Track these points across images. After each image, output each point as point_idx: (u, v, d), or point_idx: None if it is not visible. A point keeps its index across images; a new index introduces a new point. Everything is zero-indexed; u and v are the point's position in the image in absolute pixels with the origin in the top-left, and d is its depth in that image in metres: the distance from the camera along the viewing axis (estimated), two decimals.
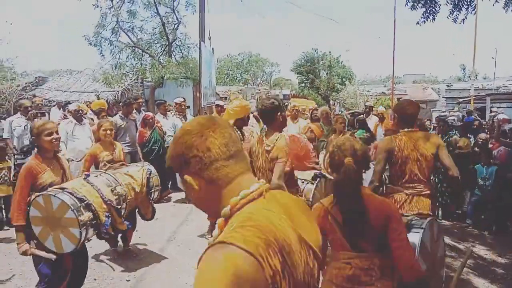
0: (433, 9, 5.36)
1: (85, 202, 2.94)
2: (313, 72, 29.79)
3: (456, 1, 5.07)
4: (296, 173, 3.66)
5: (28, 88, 13.82)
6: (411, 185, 3.08)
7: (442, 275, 2.77)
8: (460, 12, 5.20)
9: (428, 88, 29.70)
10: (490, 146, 6.14)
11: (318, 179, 3.90)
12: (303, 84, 31.52)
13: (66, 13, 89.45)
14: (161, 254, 4.48)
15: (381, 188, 3.41)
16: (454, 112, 12.97)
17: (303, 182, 2.91)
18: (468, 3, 5.23)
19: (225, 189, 0.96)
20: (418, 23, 5.56)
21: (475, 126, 8.41)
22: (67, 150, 5.80)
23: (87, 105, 8.14)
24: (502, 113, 10.48)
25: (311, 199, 2.81)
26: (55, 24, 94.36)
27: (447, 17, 5.15)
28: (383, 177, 3.68)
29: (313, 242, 0.97)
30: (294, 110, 7.62)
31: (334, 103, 27.11)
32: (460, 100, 18.79)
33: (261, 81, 51.05)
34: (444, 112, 13.83)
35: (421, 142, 3.08)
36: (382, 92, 27.09)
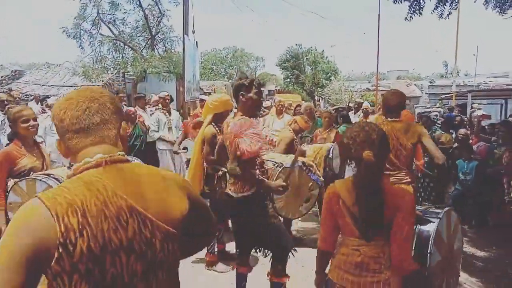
0: (418, 4, 5.37)
1: None
2: (298, 68, 29.82)
3: None
4: (274, 155, 3.61)
5: (4, 82, 13.38)
6: (391, 173, 3.15)
7: (458, 268, 2.78)
8: (444, 7, 5.23)
9: (411, 85, 30.10)
10: (470, 141, 6.23)
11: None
12: (288, 80, 31.53)
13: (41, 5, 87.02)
14: None
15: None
16: (436, 108, 13.17)
17: (274, 164, 2.84)
18: None
19: (76, 156, 1.10)
20: (406, 18, 5.56)
21: (456, 122, 8.56)
22: (46, 145, 5.60)
23: None
24: (480, 109, 10.68)
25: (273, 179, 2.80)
26: (34, 16, 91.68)
27: (431, 12, 5.18)
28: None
29: (155, 214, 1.05)
30: (280, 106, 7.57)
31: (319, 99, 27.22)
32: (442, 96, 19.12)
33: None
34: (427, 108, 14.03)
35: (402, 132, 3.15)
36: (367, 88, 27.34)
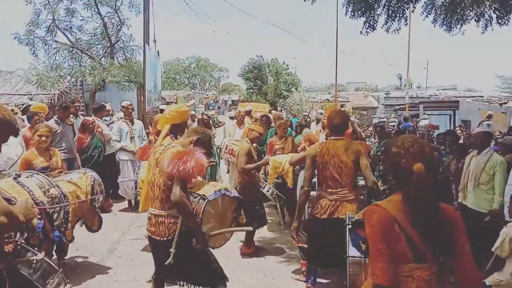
0: (373, 19, 5.65)
1: (13, 203, 2.72)
2: (260, 79, 30.25)
3: (390, 12, 5.39)
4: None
5: None
6: (333, 190, 3.25)
7: None
8: (393, 22, 5.54)
9: (368, 96, 31.44)
10: None
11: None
12: (251, 90, 31.87)
13: None
14: (101, 266, 4.24)
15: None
16: (393, 118, 13.84)
17: (195, 197, 2.68)
18: (401, 14, 5.58)
19: None
20: (361, 32, 5.83)
21: (410, 132, 9.01)
22: None
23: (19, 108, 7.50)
24: (426, 118, 11.28)
25: (200, 218, 2.62)
26: None
27: (381, 27, 5.47)
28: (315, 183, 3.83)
29: None
30: (240, 116, 7.66)
31: (282, 109, 27.69)
32: (397, 107, 20.11)
33: (210, 86, 50.78)
34: (383, 118, 14.71)
35: (342, 149, 3.26)
36: (327, 99, 28.15)
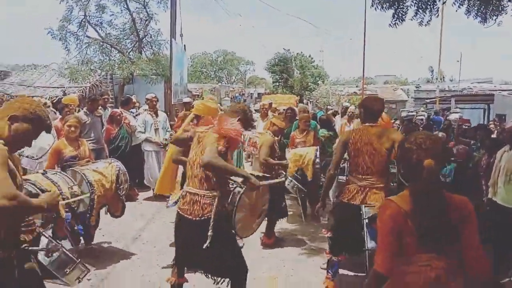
0: (402, 11, 5.48)
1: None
2: (286, 72, 30.08)
3: (420, 3, 5.21)
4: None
5: None
6: (364, 177, 3.21)
7: None
8: (425, 14, 5.35)
9: (398, 89, 30.59)
10: (447, 144, 6.36)
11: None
12: (277, 83, 31.77)
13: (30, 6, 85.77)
14: (125, 252, 4.39)
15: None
16: (421, 112, 13.44)
17: (232, 184, 2.69)
18: (431, 5, 5.39)
19: None
20: (390, 25, 5.67)
21: (445, 126, 8.67)
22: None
23: (52, 101, 7.83)
24: (457, 112, 10.87)
25: (236, 205, 2.62)
26: (19, 17, 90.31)
27: (411, 19, 5.30)
28: (345, 168, 3.80)
29: None
30: (264, 108, 7.64)
31: (308, 102, 27.46)
32: (427, 101, 19.47)
33: (236, 79, 50.97)
34: (412, 112, 14.30)
35: (376, 136, 3.20)
36: (354, 92, 27.65)
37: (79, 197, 3.37)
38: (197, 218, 2.59)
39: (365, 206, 3.06)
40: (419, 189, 1.71)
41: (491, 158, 5.00)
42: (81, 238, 4.24)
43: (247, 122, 2.94)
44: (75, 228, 3.53)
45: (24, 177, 2.86)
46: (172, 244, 4.52)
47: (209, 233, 2.55)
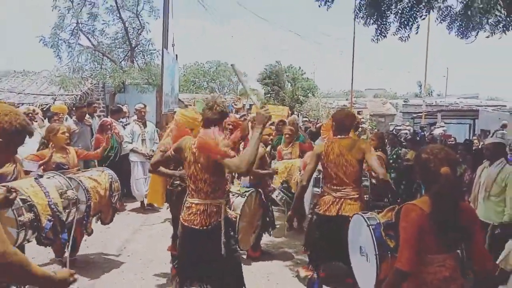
0: (384, 26, 5.63)
1: (28, 203, 2.89)
2: (278, 84, 30.33)
3: (402, 19, 5.36)
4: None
5: None
6: (338, 188, 3.31)
7: None
8: (405, 30, 5.50)
9: (386, 103, 31.05)
10: None
11: (249, 192, 3.98)
12: (268, 95, 31.96)
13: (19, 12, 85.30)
14: (110, 264, 4.37)
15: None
16: (406, 126, 13.68)
17: (233, 195, 2.73)
18: (413, 21, 5.53)
19: None
20: (372, 40, 5.83)
21: (428, 141, 8.87)
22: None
23: (42, 109, 7.79)
24: (441, 127, 11.07)
25: (239, 213, 2.66)
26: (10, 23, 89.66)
27: (393, 34, 5.45)
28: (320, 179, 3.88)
29: None
30: (253, 120, 7.68)
31: (298, 115, 27.66)
32: (414, 115, 19.79)
33: (228, 90, 51.12)
34: (399, 126, 14.53)
35: (348, 148, 3.32)
36: (344, 105, 27.92)
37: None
38: (205, 227, 2.59)
39: (362, 214, 3.03)
40: (438, 193, 1.88)
41: (474, 173, 5.13)
42: (66, 249, 4.22)
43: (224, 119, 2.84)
44: (60, 236, 3.49)
45: (12, 183, 2.86)
46: (157, 255, 4.53)
47: (222, 239, 2.56)
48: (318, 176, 3.95)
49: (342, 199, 3.26)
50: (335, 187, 3.31)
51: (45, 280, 1.47)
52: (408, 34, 5.35)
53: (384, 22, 5.37)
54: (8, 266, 1.33)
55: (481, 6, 4.68)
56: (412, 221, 1.90)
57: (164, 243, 4.81)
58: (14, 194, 2.03)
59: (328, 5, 5.36)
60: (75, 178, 3.65)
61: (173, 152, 2.76)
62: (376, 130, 15.33)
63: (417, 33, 5.34)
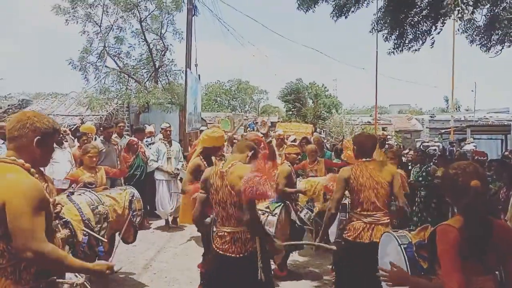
0: (402, 39, 5.57)
1: (63, 220, 2.96)
2: (299, 101, 30.36)
3: (417, 32, 5.29)
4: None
5: (10, 110, 13.63)
6: (368, 213, 3.16)
7: None
8: (417, 43, 5.42)
9: (412, 119, 30.45)
10: None
11: (279, 209, 3.93)
12: (290, 112, 32.02)
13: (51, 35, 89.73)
14: (136, 282, 4.36)
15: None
16: (435, 142, 13.31)
17: (263, 213, 2.69)
18: (426, 35, 5.44)
19: None
20: (388, 53, 5.77)
21: (456, 157, 8.58)
22: (46, 173, 5.68)
23: (70, 129, 8.00)
24: (472, 142, 10.70)
25: (273, 231, 2.62)
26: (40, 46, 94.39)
27: (406, 49, 5.39)
28: (347, 204, 3.76)
29: None
30: (279, 139, 7.66)
31: (321, 131, 27.49)
32: (442, 131, 19.28)
33: (249, 108, 51.59)
34: (426, 142, 14.16)
35: (376, 170, 3.20)
36: (368, 122, 27.61)
37: (97, 236, 3.39)
38: (240, 255, 2.56)
39: (393, 232, 2.92)
40: (468, 207, 1.81)
41: (510, 190, 4.88)
42: None
43: (257, 155, 2.84)
44: (96, 250, 3.51)
45: None
46: (182, 274, 4.49)
47: (259, 264, 2.53)
48: (344, 202, 3.84)
49: (373, 225, 3.12)
50: (365, 213, 3.16)
51: (82, 270, 1.88)
52: (419, 47, 5.30)
53: (402, 36, 5.32)
54: (48, 261, 1.64)
55: (505, 19, 4.54)
56: (452, 243, 1.79)
57: (189, 262, 4.79)
58: (59, 207, 2.07)
59: (309, 9, 5.34)
60: (94, 193, 3.70)
61: (203, 191, 2.76)
62: (400, 146, 14.98)
63: (432, 46, 5.26)
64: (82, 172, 4.28)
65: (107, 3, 13.40)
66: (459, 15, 4.40)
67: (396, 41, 5.39)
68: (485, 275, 1.80)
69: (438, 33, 5.22)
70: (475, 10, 4.48)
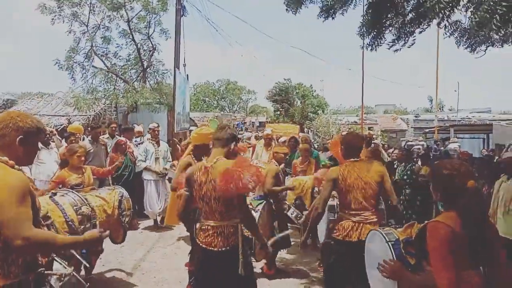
0: (379, 37, 5.61)
1: (50, 221, 2.93)
2: (287, 101, 30.52)
3: (400, 33, 5.36)
4: None
5: None
6: (357, 212, 3.20)
7: None
8: (400, 43, 5.48)
9: (397, 119, 30.94)
10: None
11: (261, 205, 4.03)
12: (278, 112, 32.17)
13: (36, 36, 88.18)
14: (125, 282, 4.36)
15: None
16: (419, 141, 13.56)
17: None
18: (409, 36, 5.52)
19: None
20: (366, 47, 5.76)
21: (439, 155, 8.80)
22: (32, 174, 5.63)
23: (57, 130, 7.94)
24: (455, 142, 10.93)
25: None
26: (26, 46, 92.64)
27: (387, 48, 5.45)
28: (335, 205, 3.82)
29: None
30: (268, 138, 7.73)
31: (308, 131, 27.68)
32: (426, 130, 19.65)
33: (238, 108, 51.59)
34: (411, 141, 14.42)
35: (364, 170, 3.23)
36: (354, 121, 27.94)
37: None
38: (222, 249, 2.58)
39: (380, 230, 2.98)
40: (467, 207, 1.86)
41: (491, 188, 5.05)
42: (82, 268, 4.24)
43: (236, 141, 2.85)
44: (79, 251, 3.51)
45: None
46: (171, 274, 4.52)
47: (240, 259, 2.56)
48: (332, 203, 3.89)
49: (362, 224, 3.16)
50: (353, 212, 3.21)
51: (76, 244, 1.85)
52: (401, 47, 5.38)
53: (380, 33, 5.37)
54: (38, 245, 1.64)
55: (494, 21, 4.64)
56: (443, 240, 1.84)
57: (178, 261, 4.81)
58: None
59: (297, 11, 5.38)
60: (77, 194, 3.67)
61: (187, 189, 2.76)
62: (386, 145, 15.22)
63: (409, 46, 5.34)
64: (68, 173, 4.21)
65: (94, 2, 13.27)
66: (442, 21, 4.49)
67: (375, 38, 5.44)
68: (472, 269, 1.85)
69: (420, 32, 5.30)
70: (460, 12, 4.53)
